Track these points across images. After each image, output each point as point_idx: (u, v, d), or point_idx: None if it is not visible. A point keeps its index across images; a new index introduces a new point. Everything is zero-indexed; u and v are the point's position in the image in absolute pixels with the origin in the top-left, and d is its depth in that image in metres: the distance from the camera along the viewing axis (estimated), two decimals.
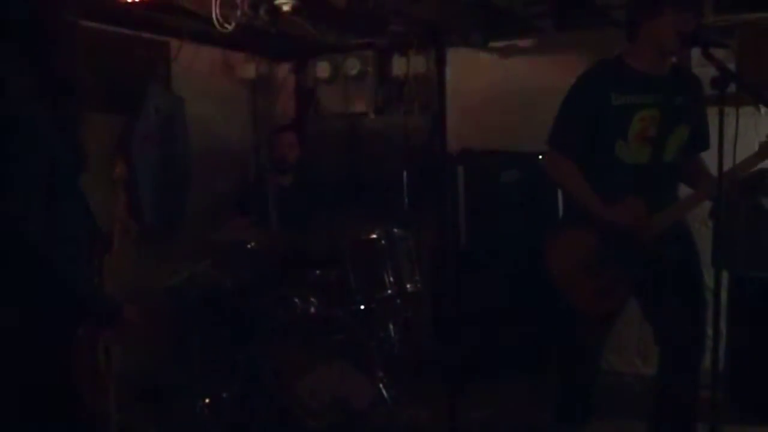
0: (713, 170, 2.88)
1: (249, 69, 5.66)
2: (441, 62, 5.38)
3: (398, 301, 4.08)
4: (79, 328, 2.02)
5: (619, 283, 3.06)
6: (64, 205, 2.03)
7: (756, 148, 2.96)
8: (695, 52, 3.83)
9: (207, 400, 3.94)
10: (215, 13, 4.20)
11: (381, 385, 3.92)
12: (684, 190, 3.20)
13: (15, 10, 2.03)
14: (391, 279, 4.00)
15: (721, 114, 2.52)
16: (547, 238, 3.21)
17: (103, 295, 2.20)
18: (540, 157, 3.38)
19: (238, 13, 4.24)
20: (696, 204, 3.12)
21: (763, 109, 4.17)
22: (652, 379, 3.30)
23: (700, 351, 3.05)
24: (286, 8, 4.07)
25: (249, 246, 4.22)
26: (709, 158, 2.91)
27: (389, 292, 4.00)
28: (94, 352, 2.06)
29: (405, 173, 4.97)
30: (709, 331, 2.64)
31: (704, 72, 2.95)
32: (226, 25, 4.27)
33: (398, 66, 5.44)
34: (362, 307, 4.01)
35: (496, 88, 5.15)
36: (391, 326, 4.17)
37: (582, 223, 3.09)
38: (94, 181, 2.33)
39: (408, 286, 4.04)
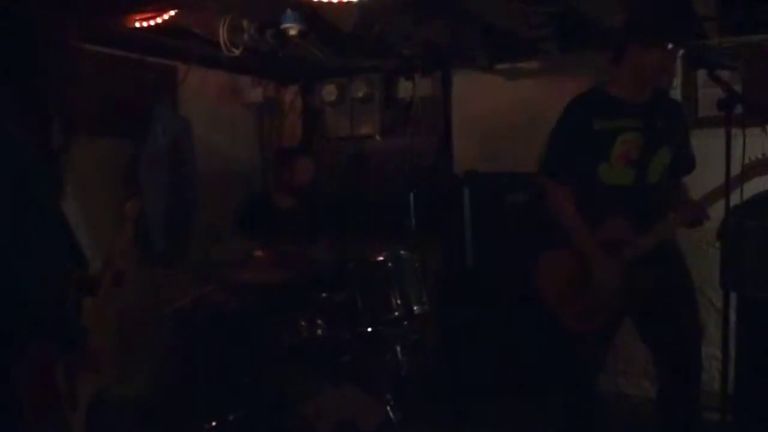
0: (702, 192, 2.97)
1: (256, 92, 5.70)
2: (447, 85, 5.43)
3: (405, 323, 4.07)
4: (29, 347, 1.93)
5: (607, 303, 3.08)
6: (35, 224, 1.97)
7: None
8: (701, 74, 3.84)
9: (213, 423, 3.92)
10: (222, 37, 4.23)
11: (388, 408, 3.91)
12: None
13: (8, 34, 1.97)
14: (398, 301, 3.99)
15: (728, 135, 2.52)
16: (537, 257, 3.29)
17: (66, 319, 2.12)
18: None
19: (245, 37, 4.27)
20: (674, 227, 3.14)
21: None
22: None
23: (697, 370, 3.08)
24: (292, 32, 4.10)
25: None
26: (712, 180, 2.91)
27: (396, 314, 3.99)
28: (51, 374, 2.02)
29: (411, 195, 4.97)
30: (718, 353, 2.63)
31: (711, 93, 2.96)
32: (234, 49, 4.31)
33: (404, 89, 5.46)
34: (369, 329, 4.00)
35: (502, 110, 5.16)
36: (398, 348, 4.15)
37: (571, 243, 3.15)
38: (98, 206, 2.28)
39: (415, 308, 4.03)
